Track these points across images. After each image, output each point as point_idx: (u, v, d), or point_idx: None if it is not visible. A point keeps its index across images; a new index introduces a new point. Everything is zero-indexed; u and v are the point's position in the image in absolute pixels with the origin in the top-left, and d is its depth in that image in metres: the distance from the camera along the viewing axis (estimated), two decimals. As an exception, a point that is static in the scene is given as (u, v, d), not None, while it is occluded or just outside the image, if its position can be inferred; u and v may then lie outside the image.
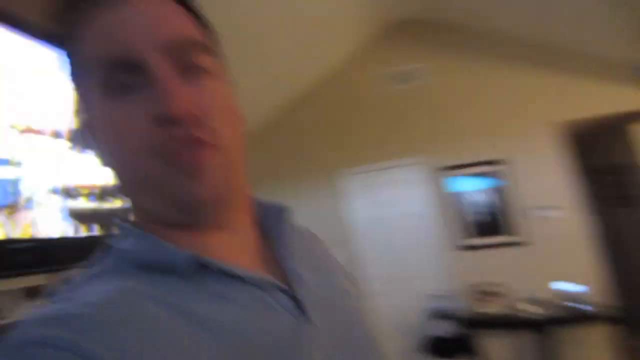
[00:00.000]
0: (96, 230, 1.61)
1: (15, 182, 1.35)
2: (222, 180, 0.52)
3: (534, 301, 3.78)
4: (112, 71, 0.48)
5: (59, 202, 1.50)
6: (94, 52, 0.49)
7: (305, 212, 2.65)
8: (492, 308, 3.91)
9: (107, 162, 0.54)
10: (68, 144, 1.58)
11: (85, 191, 1.60)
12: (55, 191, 1.50)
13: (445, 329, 3.87)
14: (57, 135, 1.54)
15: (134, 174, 0.50)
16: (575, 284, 3.69)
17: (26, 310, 0.35)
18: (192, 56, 0.51)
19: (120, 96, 0.49)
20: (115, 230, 0.57)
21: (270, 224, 0.64)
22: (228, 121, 0.53)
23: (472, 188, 4.39)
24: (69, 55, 0.53)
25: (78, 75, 0.53)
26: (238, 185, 0.56)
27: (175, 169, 0.49)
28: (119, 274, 0.49)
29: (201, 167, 0.49)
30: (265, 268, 0.59)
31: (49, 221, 1.45)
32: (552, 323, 3.58)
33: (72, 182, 1.56)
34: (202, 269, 0.50)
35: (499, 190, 4.29)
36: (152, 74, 0.48)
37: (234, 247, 0.57)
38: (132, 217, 0.58)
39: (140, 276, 0.49)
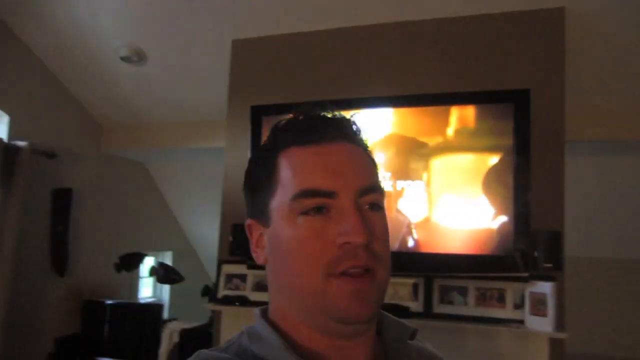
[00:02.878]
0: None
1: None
2: (374, 303, 0.57)
3: None
4: (316, 196, 0.56)
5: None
6: (299, 177, 0.57)
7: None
8: None
9: (274, 264, 0.61)
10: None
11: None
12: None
13: None
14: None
15: (305, 282, 0.56)
16: None
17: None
18: (374, 196, 0.59)
19: (314, 215, 0.56)
20: (255, 320, 0.63)
21: (392, 343, 0.65)
22: (386, 248, 0.59)
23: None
24: (262, 173, 0.61)
25: (263, 185, 0.61)
26: (382, 303, 0.60)
27: (342, 287, 0.55)
28: None
29: (361, 290, 0.55)
30: None
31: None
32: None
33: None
34: None
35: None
36: (342, 210, 0.56)
37: (352, 358, 0.60)
38: (270, 311, 0.63)
39: None
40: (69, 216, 3.42)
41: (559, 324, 2.21)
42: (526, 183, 2.29)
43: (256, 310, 0.64)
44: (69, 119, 3.58)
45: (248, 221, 0.64)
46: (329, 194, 0.56)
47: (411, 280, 2.45)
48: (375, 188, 0.60)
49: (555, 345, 2.23)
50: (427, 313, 2.40)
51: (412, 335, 0.67)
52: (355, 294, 0.55)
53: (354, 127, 0.63)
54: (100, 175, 3.82)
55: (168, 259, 4.62)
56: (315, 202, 0.56)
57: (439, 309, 2.40)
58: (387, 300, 2.48)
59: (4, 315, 2.86)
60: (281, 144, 0.61)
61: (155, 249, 4.44)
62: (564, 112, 2.45)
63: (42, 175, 3.27)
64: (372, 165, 0.63)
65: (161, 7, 2.84)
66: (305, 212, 0.56)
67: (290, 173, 0.58)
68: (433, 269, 2.41)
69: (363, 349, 0.61)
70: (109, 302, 3.49)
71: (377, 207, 0.60)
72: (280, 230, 0.58)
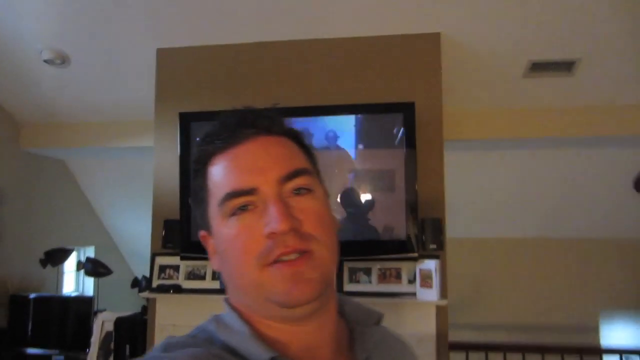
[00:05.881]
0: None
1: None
2: (316, 282, 0.56)
3: None
4: (237, 196, 0.57)
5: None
6: (222, 182, 0.59)
7: None
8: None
9: (222, 267, 0.62)
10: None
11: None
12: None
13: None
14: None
15: (244, 277, 0.57)
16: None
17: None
18: (298, 181, 0.58)
19: (241, 213, 0.57)
20: (223, 309, 0.63)
21: (357, 328, 0.66)
22: (322, 227, 0.58)
23: None
24: (198, 187, 0.63)
25: (201, 198, 0.63)
26: (329, 282, 0.60)
27: (277, 273, 0.55)
28: (208, 347, 0.56)
29: (297, 272, 0.55)
30: None
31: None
32: None
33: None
34: None
35: None
36: (266, 202, 0.56)
37: (315, 342, 0.60)
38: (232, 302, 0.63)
39: (225, 357, 0.55)
40: (-10, 214, 3.33)
41: (442, 294, 2.65)
42: (413, 178, 2.65)
43: (224, 300, 0.65)
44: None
45: (201, 233, 0.65)
46: (249, 192, 0.57)
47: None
48: (297, 173, 0.59)
49: (440, 312, 2.62)
50: (339, 291, 2.73)
51: (378, 321, 0.69)
52: (290, 277, 0.55)
53: (269, 119, 0.62)
54: (20, 173, 3.73)
55: (90, 253, 4.58)
56: (238, 202, 0.57)
57: (348, 287, 2.73)
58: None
59: None
60: (206, 155, 0.62)
61: (77, 244, 4.39)
62: (442, 118, 2.86)
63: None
64: (293, 151, 0.63)
65: (84, 11, 2.84)
66: (233, 213, 0.58)
67: (215, 180, 0.60)
68: (343, 253, 2.74)
69: (325, 332, 0.62)
70: (34, 295, 3.45)
71: (305, 190, 0.59)
72: (219, 235, 0.60)
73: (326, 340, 0.62)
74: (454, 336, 3.10)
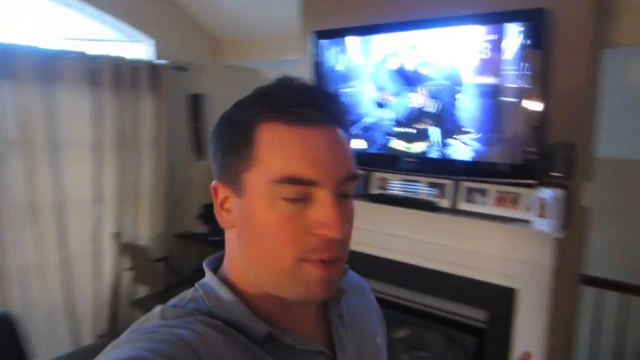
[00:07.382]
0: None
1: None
2: (336, 285, 0.59)
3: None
4: (298, 184, 0.53)
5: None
6: (282, 159, 0.54)
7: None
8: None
9: (242, 233, 0.58)
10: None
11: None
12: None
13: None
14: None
15: (277, 262, 0.55)
16: None
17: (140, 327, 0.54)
18: (351, 184, 0.57)
19: (293, 201, 0.54)
20: (207, 276, 0.62)
21: None
22: (350, 233, 0.59)
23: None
24: (239, 139, 0.57)
25: (239, 152, 0.57)
26: None
27: (315, 273, 0.55)
28: (206, 323, 0.55)
29: (330, 277, 0.56)
30: (320, 333, 0.66)
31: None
32: None
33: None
34: (272, 338, 0.57)
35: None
36: (322, 200, 0.54)
37: (305, 315, 0.64)
38: (226, 267, 0.63)
39: (224, 331, 0.55)
40: (201, 115, 4.26)
41: (561, 226, 2.39)
42: (543, 97, 2.36)
43: (206, 266, 0.64)
44: (195, 39, 4.28)
45: (215, 183, 0.61)
46: (311, 183, 0.54)
47: (442, 182, 2.78)
48: (353, 177, 0.58)
49: (561, 244, 2.38)
50: (453, 209, 2.74)
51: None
52: (323, 280, 0.56)
53: (340, 108, 0.59)
54: (222, 83, 4.55)
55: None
56: (297, 190, 0.54)
57: (462, 206, 2.71)
58: (423, 197, 2.84)
59: (167, 188, 3.93)
60: (264, 114, 0.57)
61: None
62: (591, 24, 2.36)
63: (180, 85, 4.08)
64: (351, 151, 0.60)
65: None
66: (285, 198, 0.54)
67: (274, 153, 0.55)
68: (461, 173, 2.69)
69: (312, 307, 0.65)
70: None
71: (349, 194, 0.58)
72: (257, 209, 0.56)
73: (313, 313, 0.66)
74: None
